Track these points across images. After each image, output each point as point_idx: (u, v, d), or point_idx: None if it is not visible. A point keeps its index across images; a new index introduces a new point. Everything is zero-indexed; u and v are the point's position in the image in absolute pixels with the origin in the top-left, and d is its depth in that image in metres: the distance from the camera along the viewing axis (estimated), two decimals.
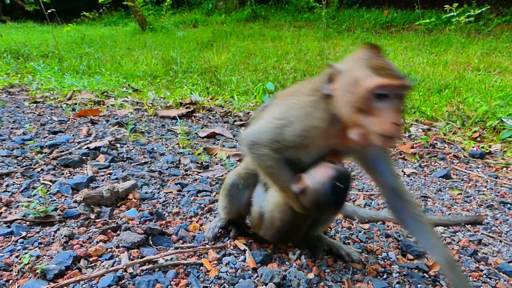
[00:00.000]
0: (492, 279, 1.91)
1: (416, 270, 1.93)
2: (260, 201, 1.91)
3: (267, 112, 1.81)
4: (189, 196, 2.60)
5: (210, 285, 1.73)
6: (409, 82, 1.44)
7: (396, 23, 13.45)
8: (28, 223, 2.14)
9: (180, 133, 3.87)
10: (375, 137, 1.44)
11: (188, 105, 5.14)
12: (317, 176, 1.62)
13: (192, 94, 5.91)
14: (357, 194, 2.83)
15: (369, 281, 1.81)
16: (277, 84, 6.87)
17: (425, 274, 1.91)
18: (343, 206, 1.73)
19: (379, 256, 2.05)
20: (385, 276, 1.88)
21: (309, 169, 1.68)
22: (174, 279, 1.75)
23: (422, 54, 9.87)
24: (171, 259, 1.89)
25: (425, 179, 3.17)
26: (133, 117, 4.56)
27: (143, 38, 11.80)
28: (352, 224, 2.37)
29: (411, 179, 3.17)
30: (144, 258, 1.85)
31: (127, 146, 3.49)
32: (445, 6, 8.59)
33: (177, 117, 4.47)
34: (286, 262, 1.92)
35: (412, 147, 3.93)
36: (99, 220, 2.22)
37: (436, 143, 4.00)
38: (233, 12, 16.92)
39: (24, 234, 2.03)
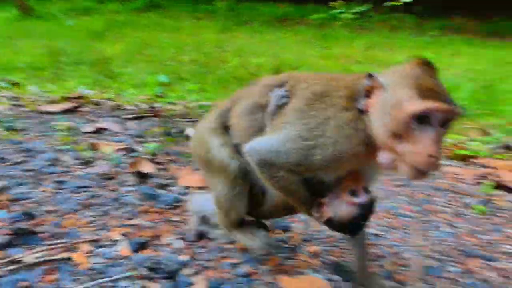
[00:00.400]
0: None
1: (282, 242, 2.17)
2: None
3: (287, 123, 1.51)
4: (67, 193, 2.54)
5: (81, 277, 1.75)
6: (457, 109, 1.29)
7: (291, 17, 14.12)
8: None
9: (61, 129, 3.70)
10: (406, 168, 1.30)
11: (74, 99, 4.89)
12: (340, 212, 1.53)
13: (80, 87, 5.63)
14: None
15: (237, 256, 1.99)
16: (174, 76, 6.85)
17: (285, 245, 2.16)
18: (360, 233, 1.70)
19: None
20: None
21: (328, 191, 1.56)
22: (42, 276, 1.74)
23: (314, 48, 10.55)
24: (41, 256, 1.86)
25: None
26: (10, 114, 4.22)
27: (26, 25, 10.79)
28: None
29: None
30: (8, 259, 1.80)
31: (0, 146, 3.25)
32: (330, 3, 9.30)
33: (61, 112, 4.24)
34: (161, 248, 2.01)
35: None
36: None
37: None
38: (127, 1, 16.22)
39: None
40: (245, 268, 1.91)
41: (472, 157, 3.72)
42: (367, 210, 1.53)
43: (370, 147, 1.41)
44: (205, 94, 5.38)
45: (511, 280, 2.01)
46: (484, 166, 3.57)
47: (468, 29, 13.93)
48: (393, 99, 1.30)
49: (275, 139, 1.50)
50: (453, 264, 2.10)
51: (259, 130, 1.63)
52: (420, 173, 1.28)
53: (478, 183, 3.21)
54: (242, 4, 15.22)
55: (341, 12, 9.16)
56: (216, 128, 1.81)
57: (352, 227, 1.57)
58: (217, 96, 5.30)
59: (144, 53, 8.53)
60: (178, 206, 2.46)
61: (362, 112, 1.41)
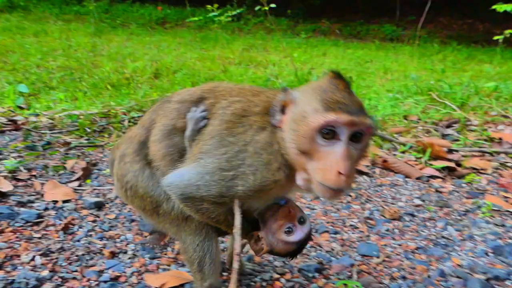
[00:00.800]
0: None
1: (148, 244, 2.22)
2: None
3: (205, 153, 1.39)
4: None
5: None
6: (365, 121, 1.23)
7: (170, 19, 14.04)
8: None
9: None
10: (317, 187, 1.25)
11: None
12: (277, 248, 1.50)
13: None
14: None
15: (103, 263, 2.00)
16: (41, 85, 6.33)
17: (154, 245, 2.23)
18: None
19: (117, 240, 2.25)
20: (119, 256, 2.10)
21: (262, 220, 1.50)
22: None
23: (194, 50, 10.66)
24: None
25: None
26: None
27: None
28: (98, 217, 2.50)
29: None
30: None
31: None
32: (207, 5, 9.48)
33: None
34: (19, 267, 1.92)
35: None
36: None
37: None
38: None
39: None
40: (110, 273, 1.92)
41: None
42: (304, 242, 1.53)
43: (291, 168, 1.35)
44: (76, 103, 5.10)
45: (348, 247, 2.36)
46: None
47: (334, 32, 15.43)
48: (300, 114, 1.26)
49: (193, 172, 1.38)
50: None
51: (179, 156, 1.50)
52: (333, 191, 1.22)
53: None
54: (116, 5, 14.64)
55: (216, 15, 9.39)
56: (142, 165, 1.58)
57: (291, 255, 1.59)
58: (90, 104, 5.07)
59: (5, 60, 7.69)
60: (40, 223, 2.35)
61: (276, 128, 1.35)
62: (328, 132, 1.21)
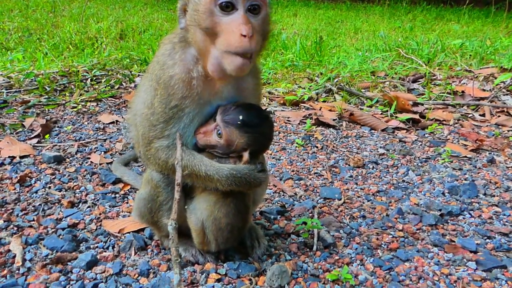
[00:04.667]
0: None
1: (110, 194, 2.19)
2: (194, 213, 1.59)
3: (134, 103, 1.61)
4: None
5: None
6: None
7: None
8: None
9: None
10: (225, 60, 1.30)
11: None
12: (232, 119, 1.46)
13: None
14: None
15: (61, 212, 1.97)
16: None
17: (116, 195, 2.20)
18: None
19: (76, 190, 2.21)
20: (80, 205, 2.07)
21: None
22: None
23: (161, 10, 10.28)
24: None
25: None
26: None
27: None
28: (58, 170, 2.43)
29: None
30: None
31: None
32: None
33: None
34: None
35: None
36: None
37: None
38: None
39: None
40: (69, 221, 1.89)
41: (301, 102, 4.19)
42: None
43: (201, 68, 1.41)
44: (36, 64, 4.85)
45: (311, 192, 2.40)
46: (308, 108, 4.07)
47: None
48: None
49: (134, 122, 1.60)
50: (270, 187, 2.41)
51: None
52: (240, 58, 1.28)
53: (303, 123, 3.67)
54: None
55: None
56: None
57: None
58: (50, 63, 4.84)
59: None
60: None
61: (186, 31, 1.40)
62: (226, 4, 1.28)
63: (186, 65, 1.41)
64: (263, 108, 1.58)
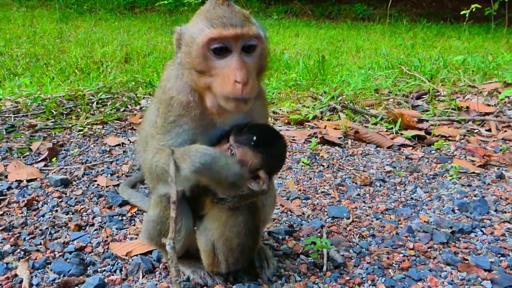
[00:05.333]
0: None
1: (117, 216, 2.18)
2: (204, 234, 1.57)
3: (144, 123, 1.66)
4: None
5: None
6: (251, 30, 1.29)
7: (139, 4, 13.70)
8: None
9: None
10: (221, 101, 1.31)
11: None
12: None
13: None
14: None
15: (68, 235, 1.95)
16: (5, 73, 6.08)
17: (123, 217, 2.18)
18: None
19: (83, 213, 2.20)
20: (87, 228, 2.05)
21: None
22: None
23: (165, 34, 10.45)
24: None
25: None
26: None
27: None
28: (65, 193, 2.43)
29: None
30: None
31: None
32: None
33: None
34: None
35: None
36: None
37: None
38: None
39: None
40: (76, 244, 1.88)
41: (305, 120, 4.20)
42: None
43: (198, 97, 1.42)
44: (43, 89, 4.92)
45: (318, 211, 2.38)
46: (313, 127, 4.08)
47: (306, 13, 15.38)
48: (189, 39, 1.32)
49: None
50: (277, 207, 2.39)
51: None
52: (235, 101, 1.28)
53: (308, 142, 3.66)
54: None
55: None
56: None
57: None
58: (56, 88, 4.91)
59: None
60: (2, 200, 2.27)
61: (182, 65, 1.40)
62: (219, 48, 1.27)
63: (184, 90, 1.43)
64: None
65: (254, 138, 1.44)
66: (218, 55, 1.28)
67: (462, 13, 7.32)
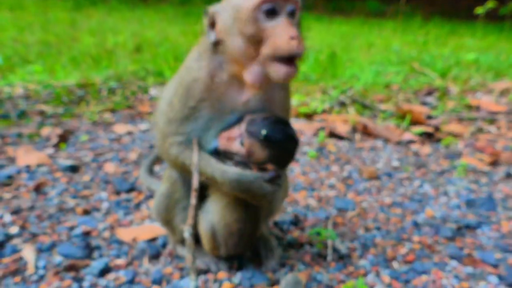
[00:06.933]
0: None
1: (124, 202, 2.20)
2: (205, 215, 1.57)
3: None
4: None
5: None
6: None
7: None
8: None
9: None
10: (274, 67, 1.30)
11: None
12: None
13: None
14: None
15: (75, 220, 1.98)
16: (17, 58, 6.14)
17: (130, 203, 2.21)
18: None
19: (91, 199, 2.23)
20: (94, 213, 2.08)
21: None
22: None
23: (177, 25, 10.44)
24: None
25: None
26: None
27: None
28: (73, 179, 2.46)
29: None
30: None
31: None
32: None
33: None
34: None
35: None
36: None
37: None
38: None
39: None
40: (82, 229, 1.90)
41: (314, 114, 4.19)
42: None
43: (228, 76, 1.41)
44: (55, 75, 4.96)
45: (324, 203, 2.38)
46: (321, 120, 4.06)
47: (318, 7, 15.27)
48: (234, 8, 1.32)
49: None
50: None
51: None
52: (288, 64, 1.29)
53: (316, 135, 3.65)
54: None
55: None
56: None
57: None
58: (68, 75, 4.94)
59: None
60: (10, 184, 2.30)
61: (217, 44, 1.38)
62: (271, 10, 1.29)
63: (210, 71, 1.41)
64: (290, 123, 1.53)
65: (264, 131, 1.41)
66: (268, 17, 1.29)
67: (476, 10, 7.21)
